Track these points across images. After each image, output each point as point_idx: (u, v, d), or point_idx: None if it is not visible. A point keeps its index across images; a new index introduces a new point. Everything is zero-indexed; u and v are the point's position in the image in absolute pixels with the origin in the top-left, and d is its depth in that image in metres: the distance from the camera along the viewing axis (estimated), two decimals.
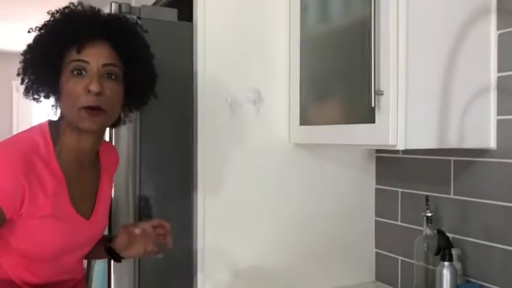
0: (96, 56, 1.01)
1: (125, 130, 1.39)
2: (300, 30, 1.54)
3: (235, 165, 1.51)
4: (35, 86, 1.05)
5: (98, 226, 1.14)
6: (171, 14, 1.46)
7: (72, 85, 1.00)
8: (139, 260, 1.40)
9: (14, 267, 1.05)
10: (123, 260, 1.24)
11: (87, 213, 1.10)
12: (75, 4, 1.07)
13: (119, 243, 1.20)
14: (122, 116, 1.15)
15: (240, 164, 1.52)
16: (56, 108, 1.08)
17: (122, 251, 1.21)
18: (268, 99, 1.56)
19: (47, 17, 1.06)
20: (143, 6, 1.45)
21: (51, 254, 1.05)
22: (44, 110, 1.13)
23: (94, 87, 0.99)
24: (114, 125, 1.16)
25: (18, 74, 1.06)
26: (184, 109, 1.47)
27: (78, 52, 1.00)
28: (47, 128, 1.05)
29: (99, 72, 1.01)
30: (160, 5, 1.77)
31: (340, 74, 1.44)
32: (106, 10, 1.37)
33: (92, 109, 1.00)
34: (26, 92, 1.07)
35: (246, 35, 1.54)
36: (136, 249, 1.20)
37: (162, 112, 1.43)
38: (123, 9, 1.38)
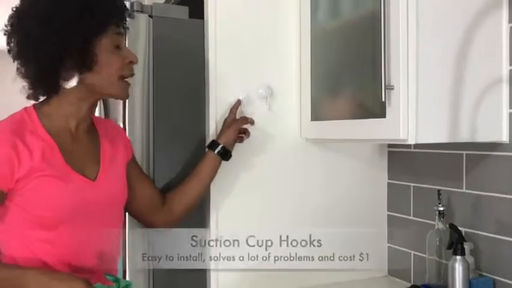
0: (124, 29, 1.16)
1: (138, 128, 1.41)
2: (310, 25, 1.54)
3: (247, 161, 1.52)
4: (58, 48, 1.06)
5: (109, 188, 1.16)
6: (182, 12, 1.47)
7: (116, 56, 1.12)
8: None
9: (39, 243, 1.09)
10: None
11: (93, 175, 1.14)
12: None
13: (227, 138, 1.40)
14: None
15: (252, 159, 1.53)
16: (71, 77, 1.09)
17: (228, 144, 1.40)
18: (280, 95, 1.57)
19: None
20: (155, 4, 1.47)
21: (63, 214, 1.08)
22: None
23: (136, 59, 1.17)
24: None
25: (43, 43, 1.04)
26: (196, 106, 1.48)
27: (118, 26, 1.12)
28: (30, 106, 1.14)
29: (128, 47, 1.17)
30: (172, 3, 1.79)
31: (350, 69, 1.45)
32: None
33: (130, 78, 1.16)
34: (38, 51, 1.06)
35: (256, 31, 1.54)
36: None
37: (174, 110, 1.45)
38: (135, 7, 1.40)
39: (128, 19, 1.19)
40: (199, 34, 1.48)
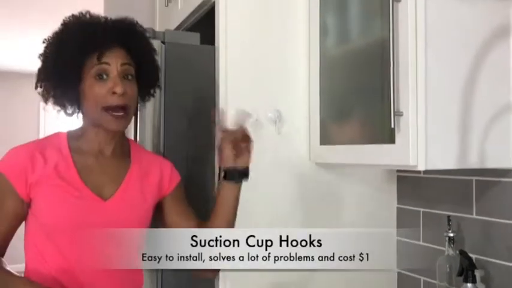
0: (115, 58, 1.14)
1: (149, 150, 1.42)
2: (319, 51, 1.56)
3: (257, 184, 1.52)
4: (56, 94, 1.17)
5: (120, 212, 1.17)
6: (193, 38, 1.50)
7: (97, 89, 1.13)
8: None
9: (50, 253, 1.13)
10: None
11: (107, 195, 1.17)
12: (84, 13, 1.18)
13: (222, 160, 1.25)
14: None
15: (261, 183, 1.53)
16: (77, 113, 1.21)
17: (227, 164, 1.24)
18: (289, 119, 1.58)
19: (62, 26, 1.17)
20: (167, 30, 1.50)
21: (66, 224, 1.12)
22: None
23: (119, 89, 1.12)
24: None
25: (38, 81, 1.17)
26: (207, 130, 1.50)
27: (99, 59, 1.13)
28: (64, 131, 1.22)
29: (119, 73, 1.14)
30: (183, 29, 1.82)
31: (359, 95, 1.46)
32: None
33: (118, 109, 1.13)
34: (45, 99, 1.18)
35: (266, 56, 1.57)
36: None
37: (184, 133, 1.46)
38: (148, 34, 1.43)
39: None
40: (210, 60, 1.51)
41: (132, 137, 1.45)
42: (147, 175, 1.25)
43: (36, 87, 1.18)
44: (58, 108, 1.20)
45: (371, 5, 1.42)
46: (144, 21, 1.45)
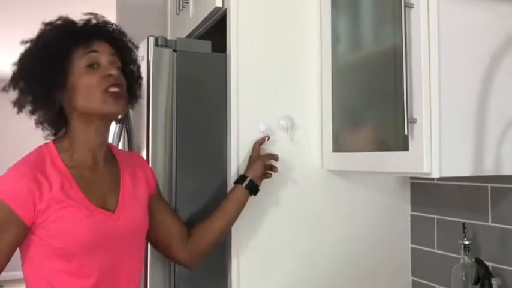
0: (105, 48, 1.14)
1: (161, 158, 1.42)
2: (331, 57, 1.56)
3: (269, 191, 1.52)
4: (36, 95, 1.12)
5: (128, 220, 1.16)
6: (205, 46, 1.50)
7: (88, 77, 1.11)
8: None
9: (62, 276, 1.09)
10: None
11: (112, 207, 1.15)
12: (64, 16, 1.16)
13: (255, 172, 1.42)
14: None
15: (274, 190, 1.53)
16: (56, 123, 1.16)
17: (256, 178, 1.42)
18: (301, 126, 1.58)
19: (42, 28, 1.15)
20: (178, 38, 1.50)
21: (82, 246, 1.09)
22: None
23: (114, 71, 1.12)
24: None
25: (13, 82, 1.13)
26: (219, 137, 1.50)
27: (87, 47, 1.12)
28: (50, 142, 1.17)
29: (109, 62, 1.13)
30: (195, 37, 1.83)
31: (372, 102, 1.45)
32: (143, 44, 1.44)
33: (116, 91, 1.11)
34: (19, 102, 1.14)
35: (278, 63, 1.56)
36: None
37: (196, 140, 1.46)
38: (160, 42, 1.44)
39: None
40: (221, 67, 1.51)
41: (144, 146, 1.45)
42: (135, 176, 1.25)
43: (8, 89, 1.13)
44: (35, 118, 1.15)
45: (383, 12, 1.41)
46: (155, 30, 1.47)
